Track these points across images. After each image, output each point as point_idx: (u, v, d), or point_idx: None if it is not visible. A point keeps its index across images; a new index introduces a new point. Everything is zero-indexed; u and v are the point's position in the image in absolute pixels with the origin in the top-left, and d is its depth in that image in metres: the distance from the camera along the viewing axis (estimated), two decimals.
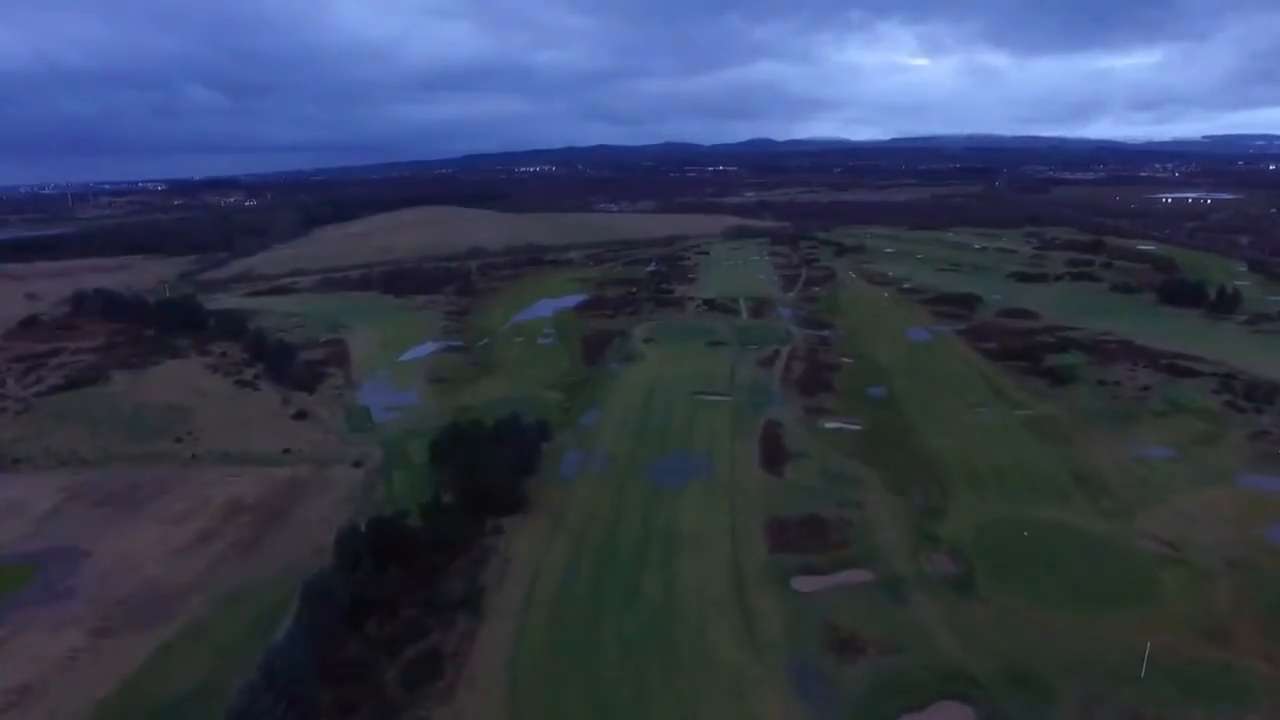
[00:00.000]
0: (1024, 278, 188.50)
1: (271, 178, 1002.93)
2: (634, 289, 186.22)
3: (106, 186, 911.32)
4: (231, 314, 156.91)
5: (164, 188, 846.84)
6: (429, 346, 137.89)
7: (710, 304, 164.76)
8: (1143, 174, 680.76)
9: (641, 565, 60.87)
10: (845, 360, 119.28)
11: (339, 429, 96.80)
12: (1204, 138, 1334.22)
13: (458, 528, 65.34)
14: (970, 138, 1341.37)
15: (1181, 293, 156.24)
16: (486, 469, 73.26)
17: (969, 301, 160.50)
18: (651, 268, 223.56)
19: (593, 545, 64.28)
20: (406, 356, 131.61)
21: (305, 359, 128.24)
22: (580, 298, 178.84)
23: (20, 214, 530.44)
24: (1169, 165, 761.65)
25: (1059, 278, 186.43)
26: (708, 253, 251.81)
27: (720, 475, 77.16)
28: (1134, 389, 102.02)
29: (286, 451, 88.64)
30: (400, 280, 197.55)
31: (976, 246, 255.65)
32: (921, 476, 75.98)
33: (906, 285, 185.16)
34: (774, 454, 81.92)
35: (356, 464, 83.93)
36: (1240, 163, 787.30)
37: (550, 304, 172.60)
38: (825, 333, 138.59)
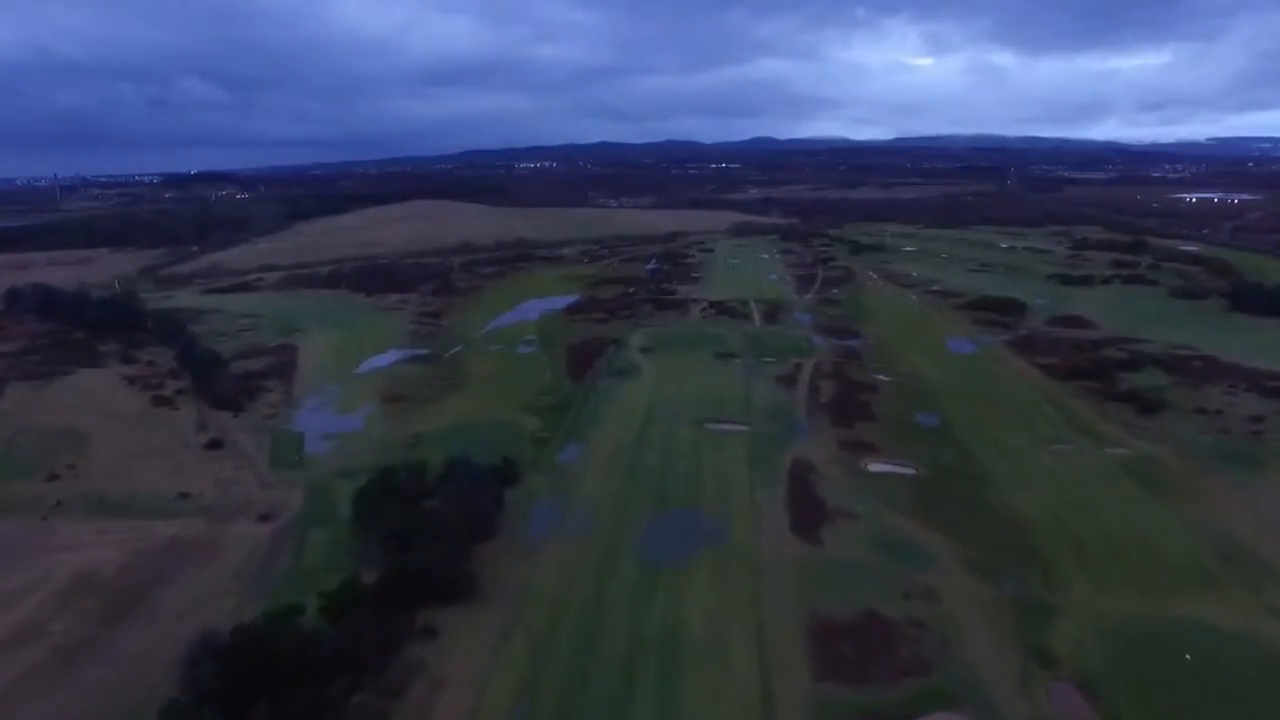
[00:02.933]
0: (1067, 280, 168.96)
1: (270, 172, 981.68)
2: (631, 289, 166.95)
3: (103, 179, 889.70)
4: (172, 316, 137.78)
5: (158, 180, 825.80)
6: (391, 355, 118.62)
7: (717, 307, 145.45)
8: (1154, 174, 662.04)
9: (628, 704, 41.62)
10: (882, 378, 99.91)
11: (259, 463, 77.53)
12: (1209, 140, 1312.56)
13: (372, 632, 46.07)
14: (973, 138, 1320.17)
15: (1255, 299, 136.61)
16: (424, 536, 54.13)
17: (1012, 307, 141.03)
18: (651, 265, 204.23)
19: (560, 663, 44.95)
20: (363, 367, 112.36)
21: (243, 370, 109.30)
22: (571, 298, 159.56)
23: (6, 206, 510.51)
24: (1178, 166, 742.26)
25: (1106, 281, 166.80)
26: (712, 250, 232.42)
27: (738, 544, 57.87)
28: (1242, 420, 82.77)
29: (182, 496, 69.37)
30: (373, 277, 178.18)
31: (1003, 245, 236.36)
32: (1010, 549, 56.69)
33: (935, 287, 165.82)
34: (808, 511, 62.67)
35: (264, 517, 64.66)
36: (1250, 164, 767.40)
37: (536, 305, 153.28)
38: (853, 343, 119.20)
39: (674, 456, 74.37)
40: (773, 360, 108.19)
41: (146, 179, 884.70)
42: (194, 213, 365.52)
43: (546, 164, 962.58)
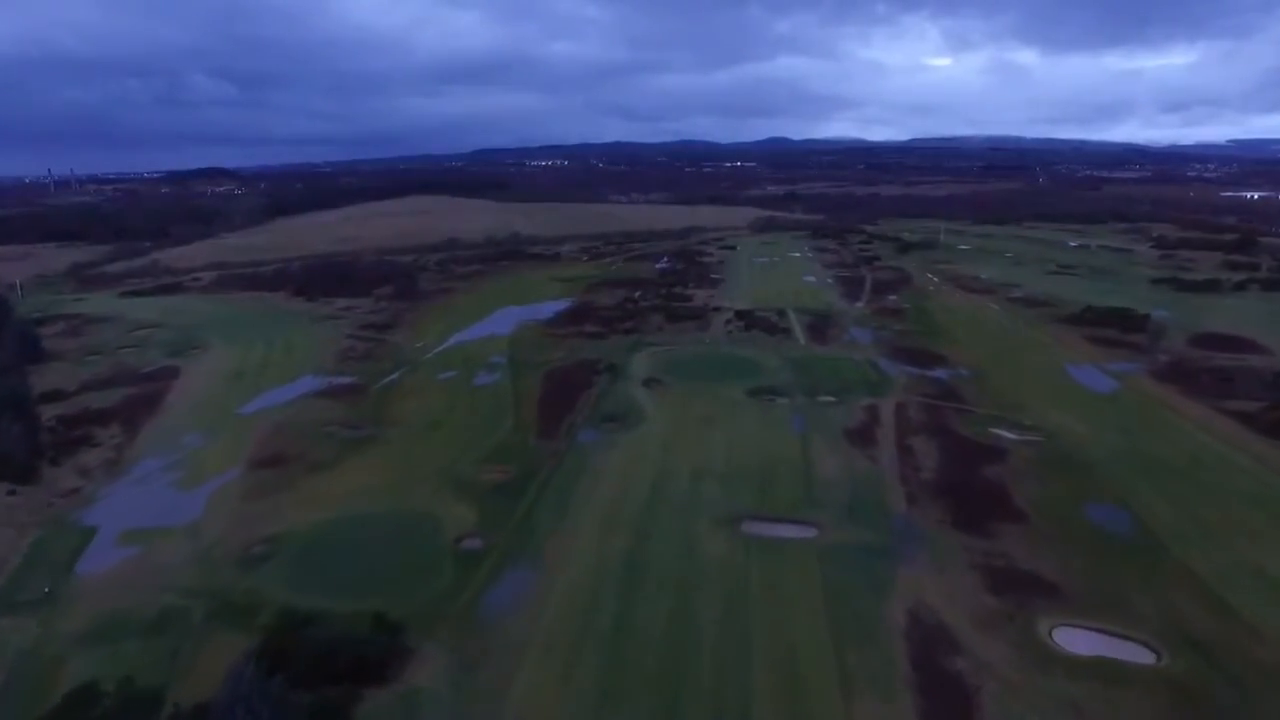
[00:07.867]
0: (1182, 285, 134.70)
1: (279, 169, 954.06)
2: (636, 293, 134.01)
3: (111, 176, 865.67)
4: (29, 329, 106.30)
5: (158, 176, 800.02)
6: (302, 384, 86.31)
7: (746, 318, 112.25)
8: (1189, 174, 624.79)
9: None
10: (1004, 435, 66.43)
11: None
12: (1228, 141, 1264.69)
13: None
14: (990, 138, 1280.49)
15: None
16: None
17: (1133, 321, 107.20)
18: (662, 264, 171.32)
19: None
20: (254, 404, 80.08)
21: (82, 408, 77.66)
22: (560, 305, 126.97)
23: None
24: (1210, 166, 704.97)
25: (1238, 287, 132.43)
26: (734, 248, 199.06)
27: None
28: None
29: None
30: (321, 278, 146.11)
31: (1073, 244, 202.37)
32: None
33: (1016, 294, 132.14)
34: None
35: None
36: None
37: (514, 314, 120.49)
38: (939, 374, 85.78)
39: (692, 602, 41.49)
40: (833, 400, 75.19)
41: (150, 175, 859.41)
42: (160, 207, 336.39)
43: (559, 161, 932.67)
